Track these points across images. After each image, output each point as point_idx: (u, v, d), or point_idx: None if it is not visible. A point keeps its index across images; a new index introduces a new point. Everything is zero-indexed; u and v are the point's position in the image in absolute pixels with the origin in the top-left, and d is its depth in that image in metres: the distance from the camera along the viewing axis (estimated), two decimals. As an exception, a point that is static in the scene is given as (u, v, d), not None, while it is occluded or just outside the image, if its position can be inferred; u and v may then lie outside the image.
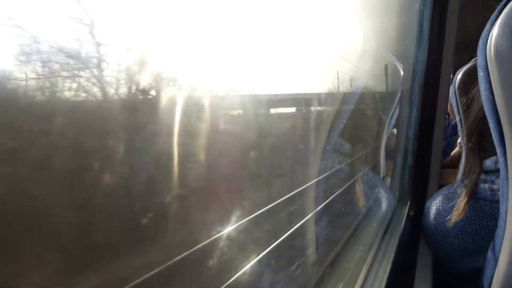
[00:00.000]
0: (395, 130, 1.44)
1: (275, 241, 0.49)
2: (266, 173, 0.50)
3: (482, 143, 0.73)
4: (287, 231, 0.54)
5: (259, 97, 0.48)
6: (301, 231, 0.62)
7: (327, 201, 0.70)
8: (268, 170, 0.51)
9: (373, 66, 1.05)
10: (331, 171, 0.75)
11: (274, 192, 0.51)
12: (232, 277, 0.38)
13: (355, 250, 0.74)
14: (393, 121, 1.44)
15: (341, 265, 0.68)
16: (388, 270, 0.67)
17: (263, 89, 0.50)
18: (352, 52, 0.80)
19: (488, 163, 0.72)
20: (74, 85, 0.24)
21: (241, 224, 0.41)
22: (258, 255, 0.44)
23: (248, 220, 0.42)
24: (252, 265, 0.43)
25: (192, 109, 0.34)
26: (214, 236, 0.37)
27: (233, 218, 0.40)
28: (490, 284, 0.62)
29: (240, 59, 0.44)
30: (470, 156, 0.76)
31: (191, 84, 0.35)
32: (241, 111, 0.44)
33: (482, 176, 0.73)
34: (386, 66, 1.19)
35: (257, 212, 0.44)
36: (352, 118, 0.86)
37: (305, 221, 0.62)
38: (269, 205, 0.47)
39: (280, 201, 0.50)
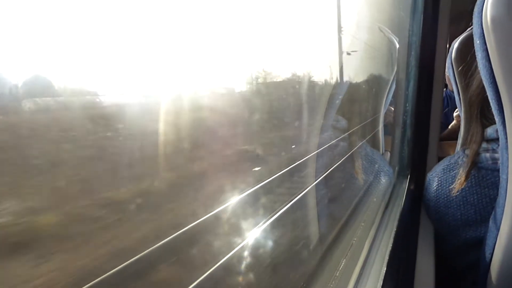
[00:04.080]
0: (393, 105, 1.43)
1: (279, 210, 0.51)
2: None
3: (484, 110, 0.73)
4: (288, 203, 0.54)
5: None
6: (302, 207, 0.62)
7: (327, 177, 0.70)
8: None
9: (368, 39, 1.03)
10: (329, 145, 0.75)
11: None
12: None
13: (356, 226, 0.74)
14: (391, 95, 1.43)
15: (343, 241, 0.68)
16: (390, 244, 0.67)
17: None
18: (347, 25, 0.78)
19: (490, 131, 0.72)
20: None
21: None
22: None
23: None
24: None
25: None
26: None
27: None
28: (492, 253, 0.63)
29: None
30: (472, 125, 0.76)
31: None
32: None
33: (484, 145, 0.72)
34: (381, 39, 1.18)
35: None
36: (349, 93, 0.85)
37: (306, 199, 0.62)
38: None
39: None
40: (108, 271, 0.29)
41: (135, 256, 0.31)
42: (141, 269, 0.32)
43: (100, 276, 0.28)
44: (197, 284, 0.35)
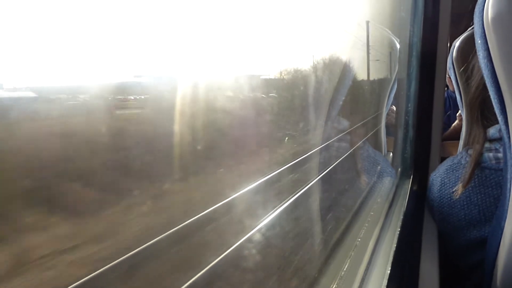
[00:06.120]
0: (394, 106, 1.43)
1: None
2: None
3: (484, 111, 0.73)
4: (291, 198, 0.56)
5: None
6: (304, 210, 0.62)
7: (331, 181, 0.70)
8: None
9: (370, 40, 1.04)
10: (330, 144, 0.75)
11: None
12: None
13: (360, 226, 0.74)
14: (392, 96, 1.43)
15: (348, 242, 0.68)
16: (394, 244, 0.67)
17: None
18: (348, 27, 0.79)
19: (492, 131, 0.72)
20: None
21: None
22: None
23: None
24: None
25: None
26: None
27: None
28: (496, 253, 0.63)
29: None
30: (474, 126, 0.76)
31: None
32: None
33: (487, 145, 0.72)
34: (382, 40, 1.18)
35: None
36: (351, 93, 0.85)
37: (308, 201, 0.62)
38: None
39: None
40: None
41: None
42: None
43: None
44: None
